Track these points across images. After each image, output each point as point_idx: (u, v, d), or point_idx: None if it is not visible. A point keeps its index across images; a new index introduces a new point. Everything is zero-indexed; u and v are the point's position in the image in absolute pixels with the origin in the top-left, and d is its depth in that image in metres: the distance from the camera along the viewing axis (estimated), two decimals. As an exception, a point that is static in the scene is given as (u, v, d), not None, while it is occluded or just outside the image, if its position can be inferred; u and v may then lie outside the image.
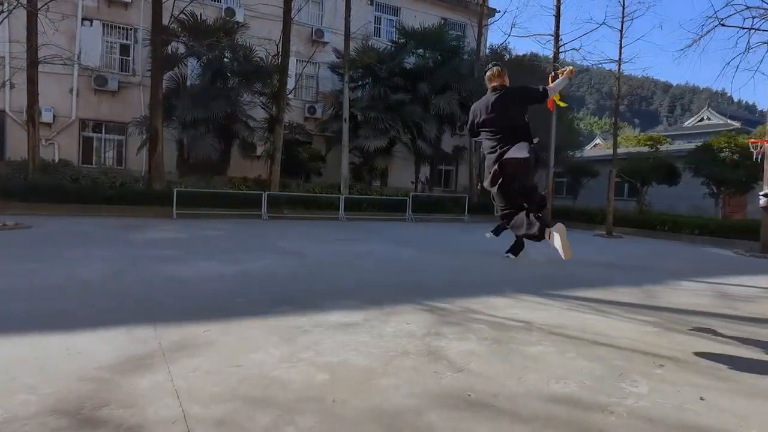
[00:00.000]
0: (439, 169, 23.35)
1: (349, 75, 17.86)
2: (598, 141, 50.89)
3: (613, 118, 18.37)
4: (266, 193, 15.54)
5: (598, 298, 5.66)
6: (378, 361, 3.20)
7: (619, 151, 18.27)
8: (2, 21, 11.42)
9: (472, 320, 4.39)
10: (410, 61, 21.09)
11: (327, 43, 21.05)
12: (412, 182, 21.40)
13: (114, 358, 2.99)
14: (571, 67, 4.28)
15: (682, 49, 13.09)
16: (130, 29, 18.48)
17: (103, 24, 18.00)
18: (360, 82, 20.86)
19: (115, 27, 18.37)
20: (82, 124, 18.04)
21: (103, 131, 18.54)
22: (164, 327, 3.69)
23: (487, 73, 4.31)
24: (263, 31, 18.83)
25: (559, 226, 3.91)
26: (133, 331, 3.57)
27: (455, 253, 9.02)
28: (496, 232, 8.56)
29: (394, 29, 22.70)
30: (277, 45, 17.05)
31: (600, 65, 21.53)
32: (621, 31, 16.23)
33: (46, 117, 16.51)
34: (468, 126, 4.40)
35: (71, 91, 17.45)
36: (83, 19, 17.46)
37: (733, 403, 2.78)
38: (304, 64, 20.64)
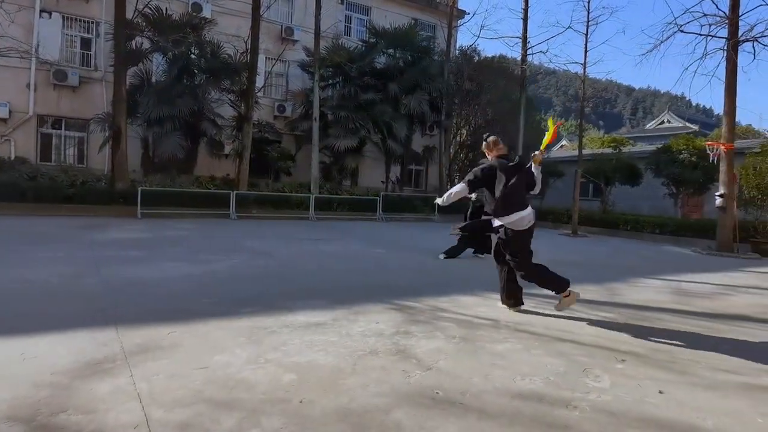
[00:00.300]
0: (409, 169, 23.45)
1: (319, 74, 17.75)
2: (564, 142, 52.08)
3: (579, 120, 18.80)
4: (234, 192, 15.30)
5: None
6: (346, 360, 3.19)
7: (585, 152, 18.70)
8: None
9: (441, 318, 4.43)
10: (381, 61, 21.11)
11: (297, 41, 20.86)
12: (383, 182, 21.43)
13: (73, 363, 2.88)
14: (539, 158, 4.63)
15: (644, 54, 13.50)
16: (92, 22, 17.89)
17: (63, 16, 17.36)
18: (330, 81, 20.76)
19: (76, 20, 17.74)
20: (40, 120, 17.35)
21: (63, 128, 17.88)
22: (127, 329, 3.58)
23: (490, 140, 4.83)
24: (231, 27, 18.53)
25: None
26: (94, 334, 3.45)
27: (425, 252, 9.08)
28: (451, 254, 8.49)
29: (364, 29, 22.69)
30: (246, 42, 16.80)
31: (566, 68, 21.99)
32: (586, 35, 16.62)
33: (2, 112, 15.85)
34: (475, 180, 4.65)
35: (28, 85, 16.77)
36: (41, 11, 16.80)
37: (691, 396, 2.88)
38: (274, 62, 20.41)
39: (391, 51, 21.12)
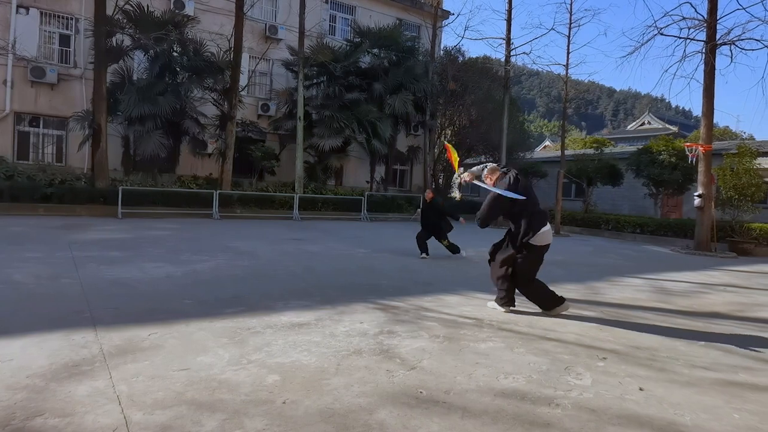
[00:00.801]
0: (394, 169, 23.46)
1: (303, 73, 17.66)
2: (547, 143, 52.67)
3: (562, 121, 19.01)
4: (218, 191, 15.15)
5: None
6: (330, 360, 3.18)
7: (567, 152, 18.95)
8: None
9: (425, 318, 4.44)
10: (365, 61, 21.08)
11: (281, 39, 20.71)
12: (367, 182, 21.41)
13: (49, 365, 2.83)
14: (468, 178, 5.26)
15: (625, 56, 13.75)
16: (71, 18, 17.53)
17: (41, 12, 16.98)
18: (315, 80, 20.66)
19: (55, 16, 17.37)
20: (17, 117, 16.95)
21: (41, 126, 17.50)
22: (106, 331, 3.52)
23: (490, 167, 5.08)
24: (214, 25, 18.33)
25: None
26: (72, 336, 3.39)
27: (409, 252, 9.09)
28: (425, 250, 8.71)
29: (349, 28, 22.62)
30: (229, 40, 16.63)
31: (549, 69, 22.24)
32: (569, 37, 16.85)
33: (-23, 109, 15.45)
34: (501, 207, 4.83)
35: (5, 82, 16.38)
36: (18, 6, 16.42)
37: (670, 393, 2.93)
38: (258, 60, 20.23)
39: (375, 51, 21.10)
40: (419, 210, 9.42)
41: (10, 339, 3.26)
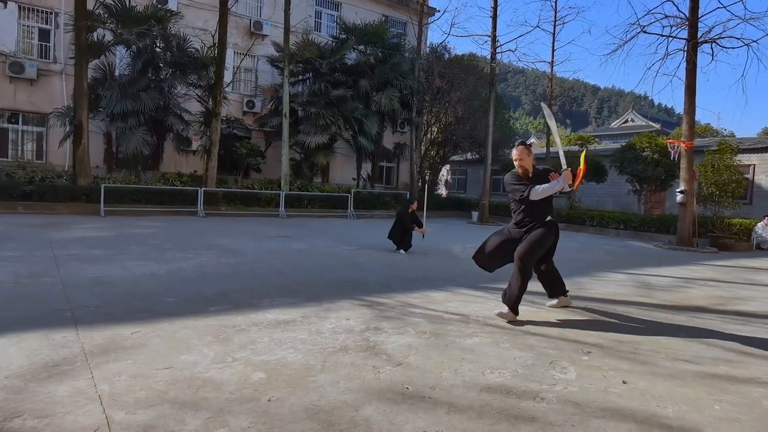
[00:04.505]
0: (380, 166, 23.43)
1: (289, 69, 17.53)
2: (532, 140, 53.04)
3: (547, 119, 19.14)
4: (202, 189, 15.00)
5: (530, 290, 5.85)
6: (316, 357, 3.16)
7: (552, 149, 19.09)
8: None
9: (411, 314, 4.44)
10: (351, 57, 21.00)
11: (266, 36, 20.56)
12: (354, 179, 21.37)
13: (28, 365, 2.77)
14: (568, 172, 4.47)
15: (608, 54, 13.90)
16: (50, 13, 17.20)
17: (19, 6, 16.63)
18: (300, 77, 20.54)
19: (33, 10, 17.02)
20: (-5, 114, 16.61)
21: (20, 122, 17.16)
22: (87, 330, 3.47)
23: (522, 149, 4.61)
24: (198, 20, 18.12)
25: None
26: (51, 335, 3.32)
27: (395, 249, 9.09)
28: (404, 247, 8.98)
29: (335, 24, 22.52)
30: (213, 36, 16.44)
31: (534, 66, 22.36)
32: (553, 34, 16.96)
33: (-47, 105, 15.10)
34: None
35: (-18, 77, 16.03)
36: (-4, -1, 16.06)
37: (653, 386, 2.97)
38: (243, 56, 20.06)
39: (361, 47, 21.03)
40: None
41: (-12, 339, 3.18)
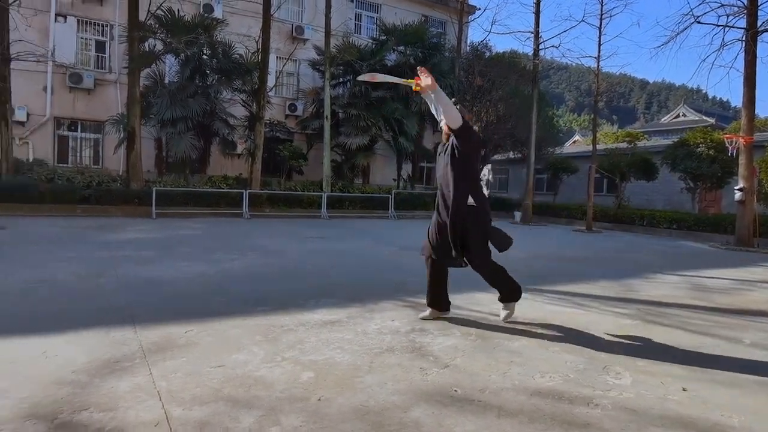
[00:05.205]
0: (420, 166, 23.40)
1: (329, 72, 17.76)
2: (577, 137, 51.65)
3: (593, 115, 18.59)
4: (247, 191, 15.38)
5: (578, 292, 5.73)
6: (362, 358, 3.18)
7: (598, 147, 18.51)
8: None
9: (456, 316, 4.40)
10: (391, 58, 21.07)
11: (307, 40, 20.90)
12: (394, 179, 21.41)
13: (92, 361, 2.91)
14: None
15: (659, 47, 13.36)
16: (106, 25, 18.09)
17: (78, 20, 17.58)
18: (341, 79, 20.78)
19: (90, 23, 17.96)
20: (56, 122, 17.62)
21: (79, 130, 18.14)
22: (144, 328, 3.61)
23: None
24: (242, 27, 18.63)
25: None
26: (112, 332, 3.48)
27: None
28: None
29: (374, 26, 22.65)
30: (257, 42, 16.86)
31: (579, 62, 21.71)
32: (600, 28, 16.44)
33: (20, 115, 16.09)
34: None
35: (45, 88, 17.02)
36: (57, 14, 17.04)
37: (715, 394, 2.82)
38: (285, 61, 20.47)
39: (401, 48, 21.07)
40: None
41: (54, 335, 3.37)
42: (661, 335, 4.03)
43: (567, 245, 11.46)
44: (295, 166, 19.37)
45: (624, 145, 20.36)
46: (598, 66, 16.73)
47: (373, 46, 20.79)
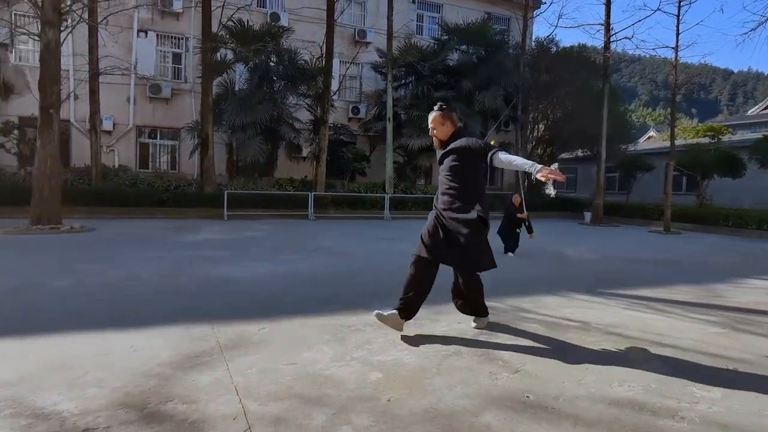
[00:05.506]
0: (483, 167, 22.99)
1: (392, 74, 17.87)
2: (651, 133, 48.82)
3: (669, 109, 17.51)
4: (312, 193, 15.77)
5: (657, 297, 5.41)
6: (430, 360, 3.17)
7: (677, 142, 17.40)
8: (67, 36, 12.07)
9: (524, 319, 4.29)
10: (453, 58, 20.88)
11: (370, 43, 21.13)
12: (457, 180, 21.16)
13: (175, 355, 3.09)
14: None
15: (745, 33, 12.34)
16: (182, 38, 19.19)
17: (157, 34, 18.77)
18: (403, 81, 20.83)
19: (168, 37, 19.12)
20: (138, 130, 18.90)
21: (158, 137, 19.35)
22: (220, 325, 3.79)
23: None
24: (307, 34, 19.12)
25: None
26: (191, 328, 3.68)
27: (500, 251, 8.85)
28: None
29: (436, 26, 22.53)
30: (321, 47, 17.27)
31: (654, 53, 20.51)
32: (678, 16, 15.46)
33: (107, 125, 17.38)
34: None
35: (128, 99, 18.30)
36: (139, 30, 18.28)
37: (818, 411, 2.57)
38: (348, 64, 20.81)
39: (463, 47, 20.83)
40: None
41: (140, 330, 3.61)
42: (750, 345, 3.72)
43: (643, 247, 10.85)
44: (358, 168, 19.63)
45: (706, 140, 19.01)
46: (675, 57, 15.75)
47: (435, 46, 20.69)
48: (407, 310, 3.70)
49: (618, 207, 19.62)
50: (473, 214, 3.64)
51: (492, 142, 3.73)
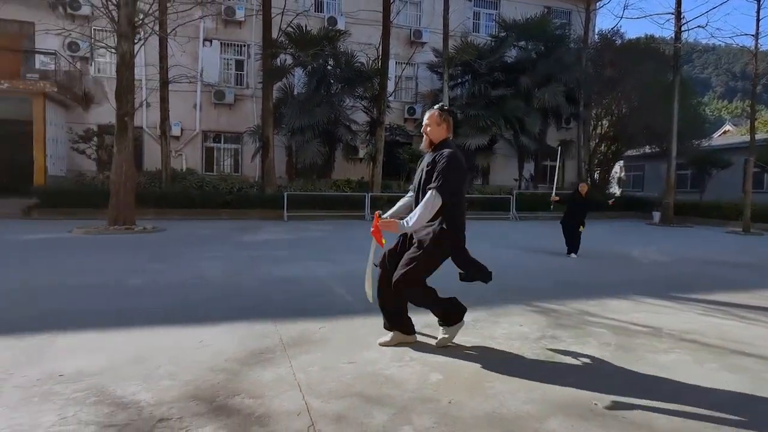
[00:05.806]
0: (543, 165, 22.34)
1: (448, 73, 17.72)
2: (727, 127, 45.65)
3: (748, 101, 16.30)
4: (369, 194, 15.91)
5: (735, 303, 5.05)
6: (491, 363, 3.10)
7: (757, 136, 16.16)
8: (139, 48, 12.84)
9: (590, 324, 4.12)
10: (511, 55, 20.44)
11: (425, 43, 21.06)
12: (515, 179, 20.70)
13: (240, 351, 3.20)
14: None
15: (838, 15, 11.25)
16: (244, 46, 19.93)
17: (221, 43, 19.60)
18: (459, 80, 20.62)
19: (231, 45, 19.91)
20: (204, 135, 19.80)
21: (222, 141, 20.20)
22: (282, 323, 3.89)
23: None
24: (363, 36, 19.32)
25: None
26: (255, 326, 3.80)
27: (563, 252, 8.55)
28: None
29: (493, 23, 22.15)
30: (377, 49, 17.39)
31: (731, 42, 19.25)
32: (758, 1, 14.36)
33: (175, 131, 18.32)
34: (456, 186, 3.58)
35: (195, 106, 19.22)
36: (204, 39, 19.16)
37: None
38: (403, 65, 20.84)
39: (522, 43, 20.35)
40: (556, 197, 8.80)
41: (208, 326, 3.77)
42: None
43: (720, 249, 10.16)
44: (414, 169, 19.60)
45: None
46: (756, 44, 14.65)
47: (492, 43, 20.32)
48: (406, 325, 3.58)
49: (690, 206, 18.49)
50: (436, 226, 3.54)
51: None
